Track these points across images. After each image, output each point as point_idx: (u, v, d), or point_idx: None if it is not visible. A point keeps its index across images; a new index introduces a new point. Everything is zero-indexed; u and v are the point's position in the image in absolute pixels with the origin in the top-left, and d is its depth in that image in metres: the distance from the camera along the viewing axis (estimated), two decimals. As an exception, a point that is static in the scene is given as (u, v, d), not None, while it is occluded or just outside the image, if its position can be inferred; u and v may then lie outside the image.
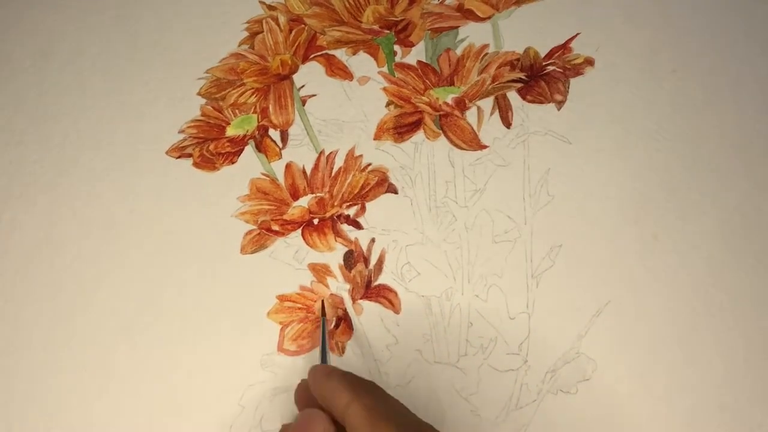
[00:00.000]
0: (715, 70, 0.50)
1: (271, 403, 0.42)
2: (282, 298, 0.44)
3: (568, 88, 0.49)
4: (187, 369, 0.43)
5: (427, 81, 0.50)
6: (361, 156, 0.48)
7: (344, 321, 0.44)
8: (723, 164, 0.47)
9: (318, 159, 0.48)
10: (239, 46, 0.53)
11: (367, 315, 0.44)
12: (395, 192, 0.47)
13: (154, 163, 0.49)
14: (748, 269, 0.44)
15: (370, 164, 0.48)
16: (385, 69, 0.51)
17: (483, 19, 0.52)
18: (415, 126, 0.49)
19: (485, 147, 0.48)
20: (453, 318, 0.44)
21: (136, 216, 0.48)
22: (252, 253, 0.46)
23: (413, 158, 0.48)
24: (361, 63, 0.51)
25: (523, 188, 0.47)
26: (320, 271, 0.45)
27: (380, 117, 0.49)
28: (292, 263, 0.45)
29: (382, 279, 0.45)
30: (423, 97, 0.49)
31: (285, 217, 0.46)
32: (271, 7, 0.54)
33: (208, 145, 0.49)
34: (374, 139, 0.49)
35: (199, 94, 0.51)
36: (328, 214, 0.46)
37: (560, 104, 0.49)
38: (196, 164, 0.49)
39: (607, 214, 0.46)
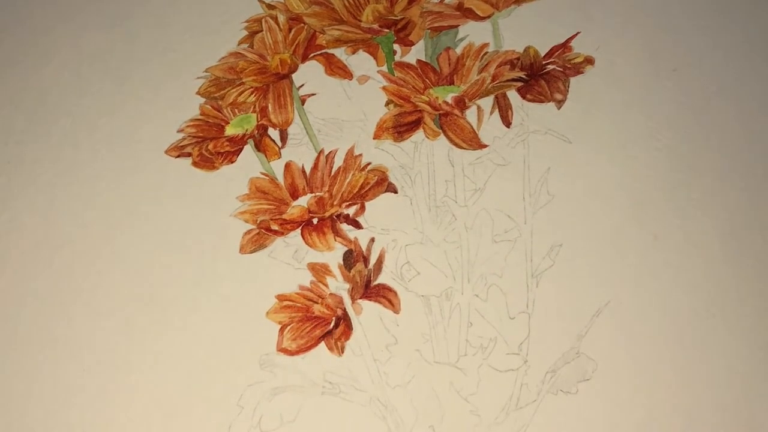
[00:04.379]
0: (715, 70, 0.50)
1: (271, 403, 0.42)
2: (281, 298, 0.44)
3: (568, 87, 0.49)
4: (187, 369, 0.43)
5: (426, 80, 0.50)
6: (360, 155, 0.48)
7: (344, 321, 0.44)
8: (723, 164, 0.47)
9: (317, 158, 0.48)
10: (239, 45, 0.53)
11: (367, 315, 0.44)
12: (395, 191, 0.47)
13: (153, 163, 0.49)
14: (749, 269, 0.44)
15: (369, 163, 0.48)
16: (384, 68, 0.51)
17: (483, 18, 0.52)
18: (415, 125, 0.49)
19: (485, 146, 0.48)
20: (453, 318, 0.44)
21: (135, 215, 0.48)
22: (251, 252, 0.46)
23: (413, 157, 0.48)
24: (361, 62, 0.51)
25: (523, 187, 0.47)
26: (320, 271, 0.45)
27: (380, 116, 0.49)
28: (291, 263, 0.45)
29: (382, 279, 0.45)
30: (423, 96, 0.49)
31: (284, 216, 0.46)
32: (270, 6, 0.54)
33: (207, 145, 0.49)
34: (374, 139, 0.49)
35: (198, 93, 0.51)
36: (327, 214, 0.46)
37: (560, 103, 0.49)
38: (195, 163, 0.49)
39: (607, 214, 0.46)
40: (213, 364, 0.43)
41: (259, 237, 0.46)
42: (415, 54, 0.51)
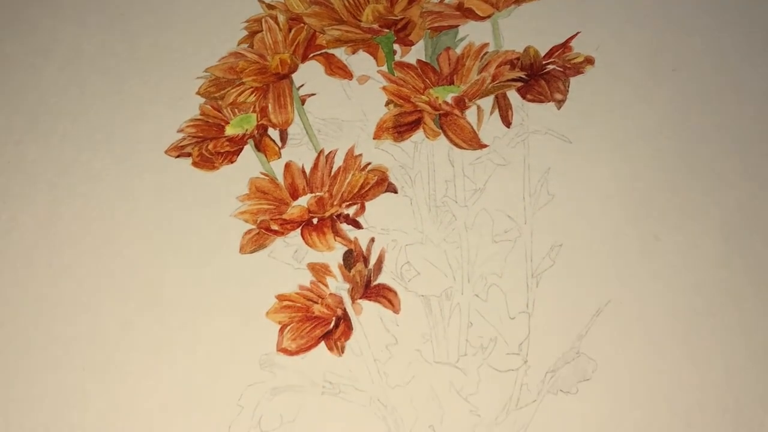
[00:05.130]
0: (716, 70, 0.50)
1: (271, 403, 0.42)
2: (281, 298, 0.44)
3: (568, 87, 0.49)
4: (187, 369, 0.43)
5: (426, 80, 0.50)
6: (360, 155, 0.48)
7: (344, 321, 0.44)
8: (723, 164, 0.47)
9: (317, 158, 0.48)
10: (238, 45, 0.53)
11: (367, 315, 0.44)
12: (395, 191, 0.47)
13: (153, 163, 0.49)
14: (749, 269, 0.44)
15: (369, 163, 0.48)
16: (384, 68, 0.51)
17: (483, 18, 0.52)
18: (415, 125, 0.49)
19: (485, 146, 0.48)
20: (453, 318, 0.44)
21: (135, 215, 0.48)
22: (251, 252, 0.46)
23: (413, 157, 0.48)
24: (361, 62, 0.51)
25: (523, 187, 0.47)
26: (320, 271, 0.45)
27: (380, 116, 0.49)
28: (291, 263, 0.45)
29: (382, 278, 0.45)
30: (423, 96, 0.49)
31: (284, 216, 0.46)
32: (270, 6, 0.54)
33: (207, 145, 0.49)
34: (374, 138, 0.49)
35: (198, 93, 0.51)
36: (327, 214, 0.46)
37: (560, 103, 0.49)
38: (195, 163, 0.49)
39: (607, 214, 0.46)
40: (213, 363, 0.43)
41: (259, 237, 0.46)
42: (415, 54, 0.51)
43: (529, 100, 0.49)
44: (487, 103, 0.49)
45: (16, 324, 0.45)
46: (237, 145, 0.49)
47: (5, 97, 0.52)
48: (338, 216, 0.46)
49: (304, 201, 0.47)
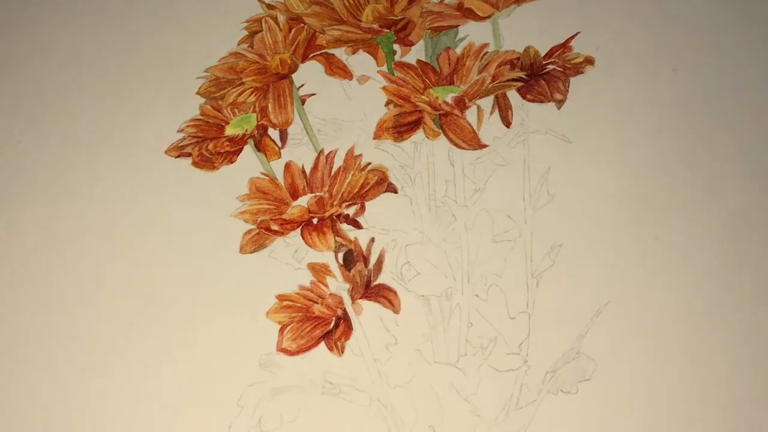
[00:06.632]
0: (716, 69, 0.50)
1: (271, 403, 0.42)
2: (281, 298, 0.44)
3: (568, 87, 0.49)
4: (187, 369, 0.43)
5: (426, 80, 0.50)
6: (360, 155, 0.48)
7: (344, 321, 0.44)
8: (723, 164, 0.47)
9: (317, 158, 0.48)
10: (238, 45, 0.53)
11: (367, 315, 0.44)
12: (395, 191, 0.47)
13: (153, 163, 0.49)
14: (749, 269, 0.44)
15: (369, 163, 0.48)
16: (384, 68, 0.51)
17: (483, 18, 0.52)
18: (415, 125, 0.49)
19: (485, 146, 0.48)
20: (453, 318, 0.44)
21: (134, 215, 0.48)
22: (251, 252, 0.46)
23: (413, 157, 0.48)
24: (361, 62, 0.51)
25: (523, 187, 0.47)
26: (320, 271, 0.45)
27: (380, 116, 0.49)
28: (291, 263, 0.45)
29: (382, 279, 0.45)
30: (423, 96, 0.49)
31: (284, 216, 0.46)
32: (270, 6, 0.54)
33: (207, 145, 0.49)
34: (374, 139, 0.49)
35: (198, 93, 0.51)
36: (327, 214, 0.46)
37: (560, 103, 0.49)
38: (195, 163, 0.49)
39: (607, 214, 0.46)
40: (213, 363, 0.43)
41: (259, 237, 0.46)
42: (415, 54, 0.51)
43: (529, 100, 0.49)
44: (487, 103, 0.49)
45: (15, 324, 0.45)
46: (237, 145, 0.49)
47: (5, 97, 0.52)
48: (338, 216, 0.46)
49: (304, 201, 0.47)
